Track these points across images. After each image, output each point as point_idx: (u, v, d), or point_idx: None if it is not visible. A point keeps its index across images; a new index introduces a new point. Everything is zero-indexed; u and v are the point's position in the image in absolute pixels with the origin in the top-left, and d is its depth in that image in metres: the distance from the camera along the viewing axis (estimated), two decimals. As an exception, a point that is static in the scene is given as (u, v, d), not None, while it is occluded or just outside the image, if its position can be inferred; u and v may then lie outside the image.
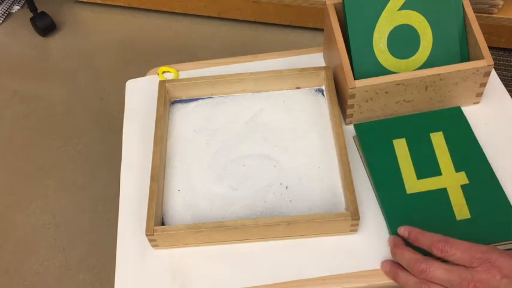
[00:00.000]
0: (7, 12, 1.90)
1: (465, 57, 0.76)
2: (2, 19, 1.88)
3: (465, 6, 0.75)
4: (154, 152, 0.72)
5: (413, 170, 0.69)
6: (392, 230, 0.65)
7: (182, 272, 0.66)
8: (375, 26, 0.74)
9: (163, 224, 0.69)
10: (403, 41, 0.75)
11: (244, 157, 0.75)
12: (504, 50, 1.59)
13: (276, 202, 0.70)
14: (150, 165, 0.71)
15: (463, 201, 0.66)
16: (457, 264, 0.56)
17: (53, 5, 1.90)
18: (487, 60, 0.71)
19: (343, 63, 0.72)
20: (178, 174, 0.74)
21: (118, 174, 0.76)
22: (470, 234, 0.62)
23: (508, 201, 0.66)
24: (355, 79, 0.71)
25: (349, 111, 0.75)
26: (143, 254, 0.68)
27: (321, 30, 0.82)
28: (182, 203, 0.71)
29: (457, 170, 0.69)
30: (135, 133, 0.81)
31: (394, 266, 0.62)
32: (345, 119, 0.77)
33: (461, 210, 0.66)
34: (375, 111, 0.75)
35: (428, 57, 0.75)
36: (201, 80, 0.80)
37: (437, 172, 0.69)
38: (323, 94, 0.81)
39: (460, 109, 0.75)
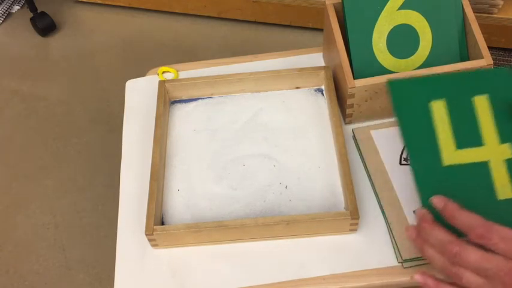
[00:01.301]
0: (7, 12, 1.90)
1: (465, 57, 0.76)
2: (2, 19, 1.88)
3: (465, 6, 0.75)
4: (154, 152, 0.72)
5: (452, 137, 0.61)
6: (424, 202, 0.58)
7: (182, 272, 0.66)
8: (374, 26, 0.74)
9: (163, 223, 0.69)
10: (402, 41, 0.75)
11: (243, 157, 0.75)
12: (504, 50, 1.59)
13: (276, 202, 0.70)
14: (150, 165, 0.71)
15: (507, 178, 0.59)
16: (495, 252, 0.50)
17: (53, 5, 1.91)
18: (486, 59, 0.71)
19: (342, 63, 0.72)
20: (178, 173, 0.74)
21: (118, 174, 0.76)
22: None
23: None
24: (354, 79, 0.71)
25: (348, 110, 0.75)
26: (143, 253, 0.68)
27: (321, 30, 0.82)
28: (182, 203, 0.71)
29: (502, 141, 0.61)
30: (135, 133, 0.81)
31: (421, 236, 0.56)
32: (344, 118, 0.77)
33: (503, 188, 0.58)
34: (375, 110, 0.75)
35: (428, 56, 0.75)
36: (201, 80, 0.80)
37: (478, 142, 0.61)
38: (323, 94, 0.81)
39: (509, 70, 0.65)
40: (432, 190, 0.58)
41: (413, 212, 0.60)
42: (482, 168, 0.59)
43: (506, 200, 0.58)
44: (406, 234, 0.58)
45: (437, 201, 0.55)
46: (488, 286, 0.49)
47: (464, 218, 0.52)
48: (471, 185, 0.59)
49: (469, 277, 0.50)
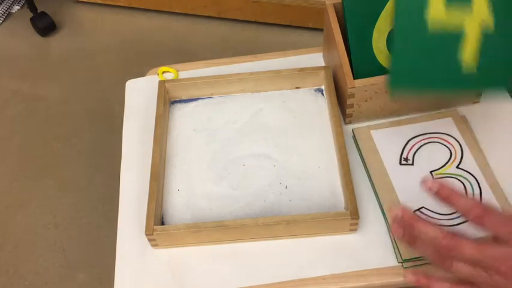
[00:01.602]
0: (7, 12, 1.90)
1: None
2: (2, 19, 1.88)
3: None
4: (154, 152, 0.72)
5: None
6: (395, 66, 0.59)
7: (182, 272, 0.66)
8: (374, 26, 0.74)
9: (163, 223, 0.69)
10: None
11: (243, 157, 0.75)
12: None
13: (276, 202, 0.70)
14: (150, 165, 0.71)
15: (476, 53, 0.59)
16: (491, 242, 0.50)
17: (53, 5, 1.91)
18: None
19: (342, 63, 0.72)
20: (178, 173, 0.74)
21: (118, 174, 0.76)
22: (474, 85, 0.57)
23: None
24: (354, 79, 0.71)
25: (348, 110, 0.75)
26: (143, 253, 0.68)
27: (321, 30, 0.82)
28: (182, 203, 0.71)
29: (489, 9, 0.59)
30: (135, 133, 0.81)
31: (408, 233, 0.55)
32: (344, 118, 0.77)
33: (469, 62, 0.59)
34: (375, 110, 0.75)
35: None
36: (201, 80, 0.80)
37: (467, 4, 0.59)
38: (322, 94, 0.81)
39: None
40: (408, 54, 0.59)
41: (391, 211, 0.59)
42: (457, 40, 0.59)
43: (469, 74, 0.60)
44: (393, 233, 0.58)
45: (430, 184, 0.54)
46: (483, 275, 0.49)
47: (462, 199, 0.53)
48: (443, 55, 0.59)
49: (463, 267, 0.51)
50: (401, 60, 0.60)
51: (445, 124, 0.76)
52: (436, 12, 0.59)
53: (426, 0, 0.58)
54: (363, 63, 0.74)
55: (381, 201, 0.69)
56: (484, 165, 0.71)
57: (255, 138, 0.77)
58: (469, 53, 0.60)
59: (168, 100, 0.81)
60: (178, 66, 0.89)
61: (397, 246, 0.65)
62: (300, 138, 0.76)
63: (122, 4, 1.86)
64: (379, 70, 0.74)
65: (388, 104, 0.75)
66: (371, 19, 0.74)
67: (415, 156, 0.73)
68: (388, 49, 0.75)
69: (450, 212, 0.68)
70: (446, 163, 0.72)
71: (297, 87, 0.82)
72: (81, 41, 1.82)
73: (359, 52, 0.74)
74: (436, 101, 0.76)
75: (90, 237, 1.34)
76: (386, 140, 0.75)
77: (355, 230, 0.67)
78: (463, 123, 0.76)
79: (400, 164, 0.73)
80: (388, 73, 0.61)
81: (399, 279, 0.64)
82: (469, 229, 0.66)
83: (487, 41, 0.60)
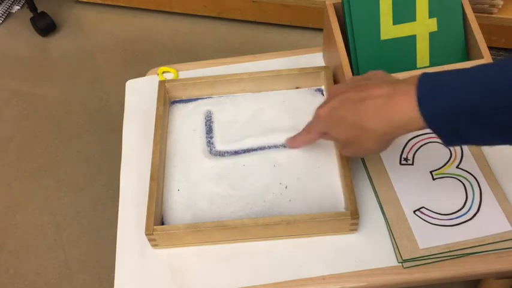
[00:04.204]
0: (7, 12, 1.90)
1: (465, 57, 0.76)
2: (2, 19, 1.88)
3: (465, 6, 0.75)
4: (154, 152, 0.72)
5: (391, 15, 0.71)
6: (362, 74, 0.68)
7: (182, 272, 0.66)
8: (375, 25, 0.74)
9: (163, 223, 0.69)
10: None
11: (243, 157, 0.75)
12: (504, 50, 1.59)
13: (276, 202, 0.70)
14: (150, 165, 0.71)
15: (427, 50, 0.69)
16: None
17: (53, 5, 1.90)
18: (486, 59, 0.71)
19: (342, 63, 0.72)
20: (178, 174, 0.74)
21: (118, 174, 0.76)
22: None
23: (466, 52, 0.70)
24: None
25: (348, 111, 0.75)
26: (143, 253, 0.68)
27: (321, 30, 0.82)
28: (182, 203, 0.71)
29: (431, 16, 0.71)
30: (135, 133, 0.81)
31: (297, 140, 0.71)
32: (344, 118, 0.77)
33: (422, 58, 0.68)
34: (375, 111, 0.75)
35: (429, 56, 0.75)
36: (201, 80, 0.80)
37: (412, 18, 0.71)
38: (323, 94, 0.81)
39: None
40: (369, 61, 0.73)
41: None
42: (410, 41, 0.71)
43: (423, 67, 0.72)
44: (290, 146, 0.73)
45: (290, 141, 0.72)
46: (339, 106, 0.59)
47: (302, 139, 0.70)
48: (399, 56, 0.70)
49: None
50: (366, 69, 0.70)
51: (445, 124, 0.76)
52: (387, 30, 0.72)
53: (378, 26, 0.72)
54: (366, 61, 0.74)
55: (380, 201, 0.69)
56: (484, 165, 0.71)
57: (254, 138, 0.77)
58: (421, 50, 0.70)
59: (168, 100, 0.81)
60: (178, 66, 0.89)
61: (397, 247, 0.65)
62: (300, 138, 0.76)
63: (122, 4, 1.85)
64: (381, 67, 0.74)
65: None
66: (371, 18, 0.74)
67: (415, 156, 0.73)
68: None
69: (450, 212, 0.68)
70: (446, 163, 0.72)
71: (297, 87, 0.82)
72: (81, 41, 1.81)
73: (361, 50, 0.74)
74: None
75: (90, 237, 1.34)
76: (386, 140, 0.75)
77: (355, 230, 0.67)
78: (463, 123, 0.76)
79: (400, 164, 0.73)
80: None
81: (399, 279, 0.64)
82: (469, 229, 0.67)
83: (434, 39, 0.71)
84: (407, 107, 0.51)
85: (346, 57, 0.73)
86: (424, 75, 0.51)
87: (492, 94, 0.46)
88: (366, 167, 0.73)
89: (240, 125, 0.78)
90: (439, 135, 0.51)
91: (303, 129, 0.68)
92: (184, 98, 0.82)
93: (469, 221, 0.67)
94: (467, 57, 0.76)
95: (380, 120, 0.54)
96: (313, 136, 0.67)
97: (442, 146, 0.74)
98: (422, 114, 0.50)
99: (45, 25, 1.80)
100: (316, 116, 0.62)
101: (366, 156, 0.72)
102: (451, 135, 0.50)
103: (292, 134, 0.76)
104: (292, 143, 0.72)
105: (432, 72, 0.51)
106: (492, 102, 0.46)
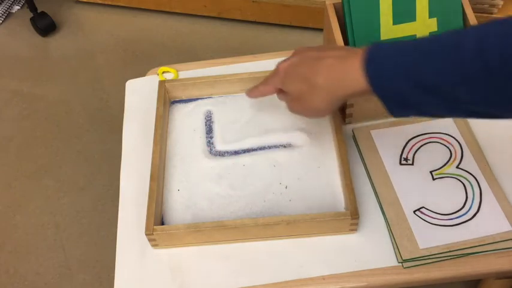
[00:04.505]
0: (7, 12, 1.90)
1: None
2: (2, 19, 1.88)
3: (465, 6, 0.75)
4: (154, 152, 0.72)
5: (391, 15, 0.71)
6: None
7: (181, 272, 0.66)
8: (375, 24, 0.74)
9: (163, 223, 0.69)
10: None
11: (243, 157, 0.75)
12: (504, 50, 1.59)
13: (276, 202, 0.70)
14: (150, 165, 0.71)
15: None
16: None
17: (53, 5, 1.90)
18: (486, 60, 0.71)
19: (342, 63, 0.72)
20: (178, 174, 0.74)
21: (118, 174, 0.76)
22: None
23: None
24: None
25: (348, 110, 0.75)
26: (143, 253, 0.68)
27: (321, 30, 0.82)
28: (182, 203, 0.71)
29: (431, 16, 0.71)
30: (135, 133, 0.81)
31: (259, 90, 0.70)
32: (344, 118, 0.77)
33: None
34: (375, 110, 0.75)
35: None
36: (201, 80, 0.80)
37: (412, 18, 0.72)
38: (323, 94, 0.81)
39: None
40: None
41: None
42: None
43: None
44: (248, 96, 0.73)
45: (253, 93, 0.72)
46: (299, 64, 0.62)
47: (267, 80, 0.68)
48: None
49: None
50: None
51: (445, 124, 0.76)
52: (387, 31, 0.71)
53: (378, 24, 0.71)
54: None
55: (380, 201, 0.69)
56: (484, 165, 0.71)
57: (254, 138, 0.77)
58: None
59: (168, 100, 0.81)
60: (178, 66, 0.89)
61: (397, 246, 0.65)
62: (300, 138, 0.76)
63: (122, 4, 1.85)
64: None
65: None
66: (371, 18, 0.74)
67: (415, 156, 0.73)
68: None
69: (450, 212, 0.68)
70: (446, 163, 0.72)
71: (297, 87, 0.82)
72: (81, 41, 1.81)
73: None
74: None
75: (90, 237, 1.34)
76: (386, 140, 0.75)
77: (355, 230, 0.67)
78: (463, 123, 0.76)
79: (400, 164, 0.73)
80: None
81: (399, 279, 0.64)
82: (469, 229, 0.67)
83: None
84: (352, 67, 0.54)
85: (346, 57, 0.73)
86: (376, 42, 0.55)
87: (425, 56, 0.49)
88: (366, 167, 0.73)
89: (240, 125, 0.78)
90: (382, 99, 0.53)
91: (262, 81, 0.70)
92: (184, 98, 0.82)
93: (469, 221, 0.67)
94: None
95: (328, 77, 0.57)
96: (269, 88, 0.68)
97: (442, 145, 0.74)
98: (366, 75, 0.53)
99: (45, 25, 1.81)
100: (276, 69, 0.66)
101: (312, 117, 0.70)
102: (393, 98, 0.53)
103: (292, 134, 0.76)
104: (251, 93, 0.73)
105: (384, 40, 0.53)
106: (424, 63, 0.49)
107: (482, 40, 0.46)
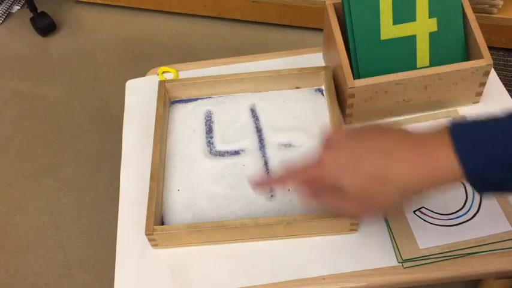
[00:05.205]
0: (7, 12, 1.90)
1: (465, 57, 0.76)
2: (2, 19, 1.88)
3: (465, 6, 0.75)
4: (154, 152, 0.72)
5: (391, 15, 0.71)
6: (362, 74, 0.71)
7: (182, 272, 0.66)
8: (375, 24, 0.74)
9: (163, 223, 0.69)
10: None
11: (243, 156, 0.75)
12: (504, 50, 1.59)
13: (276, 201, 0.70)
14: (150, 165, 0.71)
15: (427, 50, 0.69)
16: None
17: (53, 5, 1.90)
18: (486, 59, 0.71)
19: (342, 63, 0.72)
20: (178, 174, 0.74)
21: (118, 174, 0.76)
22: None
23: (466, 52, 0.71)
24: (360, 77, 0.71)
25: (348, 110, 0.75)
26: (143, 253, 0.68)
27: (321, 30, 0.82)
28: (182, 203, 0.71)
29: (431, 16, 0.72)
30: (135, 133, 0.81)
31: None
32: (344, 118, 0.77)
33: (422, 58, 0.69)
34: (375, 110, 0.75)
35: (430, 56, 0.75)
36: (201, 80, 0.80)
37: (412, 18, 0.72)
38: (323, 94, 0.81)
39: None
40: (369, 61, 0.73)
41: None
42: (410, 41, 0.72)
43: (423, 67, 0.71)
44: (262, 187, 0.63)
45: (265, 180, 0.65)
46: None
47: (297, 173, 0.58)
48: (399, 56, 0.71)
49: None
50: (366, 69, 0.70)
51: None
52: (387, 31, 0.71)
53: (378, 24, 0.72)
54: (366, 61, 0.74)
55: (380, 201, 0.69)
56: (484, 165, 0.71)
57: (254, 138, 0.77)
58: (421, 50, 0.71)
59: (168, 100, 0.81)
60: (178, 66, 0.89)
61: (397, 246, 0.65)
62: (300, 138, 0.76)
63: (122, 4, 1.85)
64: (381, 67, 0.74)
65: (388, 104, 0.75)
66: (371, 18, 0.74)
67: (415, 156, 0.73)
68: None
69: (450, 212, 0.68)
70: (446, 163, 0.72)
71: (297, 87, 0.82)
72: (81, 41, 1.81)
73: (361, 50, 0.74)
74: (436, 101, 0.76)
75: (90, 237, 1.34)
76: (386, 140, 0.75)
77: (355, 230, 0.67)
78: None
79: (400, 164, 0.73)
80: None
81: (399, 279, 0.64)
82: (469, 229, 0.67)
83: (434, 39, 0.72)
84: (440, 158, 0.48)
85: (346, 57, 0.73)
86: (452, 125, 0.49)
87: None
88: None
89: (240, 125, 0.78)
90: (474, 184, 0.48)
91: (284, 172, 0.59)
92: (184, 98, 0.82)
93: (469, 221, 0.67)
94: (467, 57, 0.76)
95: (405, 172, 0.49)
96: (293, 181, 0.59)
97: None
98: (461, 164, 0.47)
99: (45, 25, 1.80)
100: (319, 161, 0.55)
101: (371, 217, 0.64)
102: (487, 184, 0.48)
103: (292, 134, 0.76)
104: (260, 186, 0.62)
105: (458, 122, 0.49)
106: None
107: None
